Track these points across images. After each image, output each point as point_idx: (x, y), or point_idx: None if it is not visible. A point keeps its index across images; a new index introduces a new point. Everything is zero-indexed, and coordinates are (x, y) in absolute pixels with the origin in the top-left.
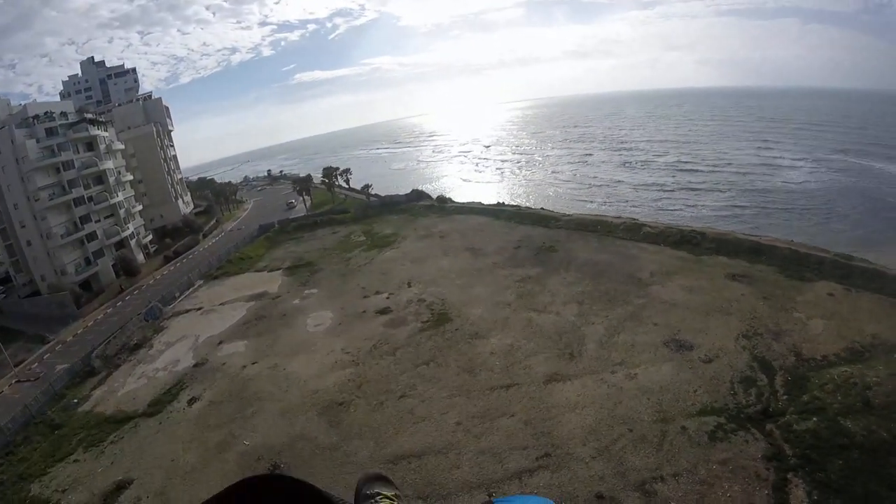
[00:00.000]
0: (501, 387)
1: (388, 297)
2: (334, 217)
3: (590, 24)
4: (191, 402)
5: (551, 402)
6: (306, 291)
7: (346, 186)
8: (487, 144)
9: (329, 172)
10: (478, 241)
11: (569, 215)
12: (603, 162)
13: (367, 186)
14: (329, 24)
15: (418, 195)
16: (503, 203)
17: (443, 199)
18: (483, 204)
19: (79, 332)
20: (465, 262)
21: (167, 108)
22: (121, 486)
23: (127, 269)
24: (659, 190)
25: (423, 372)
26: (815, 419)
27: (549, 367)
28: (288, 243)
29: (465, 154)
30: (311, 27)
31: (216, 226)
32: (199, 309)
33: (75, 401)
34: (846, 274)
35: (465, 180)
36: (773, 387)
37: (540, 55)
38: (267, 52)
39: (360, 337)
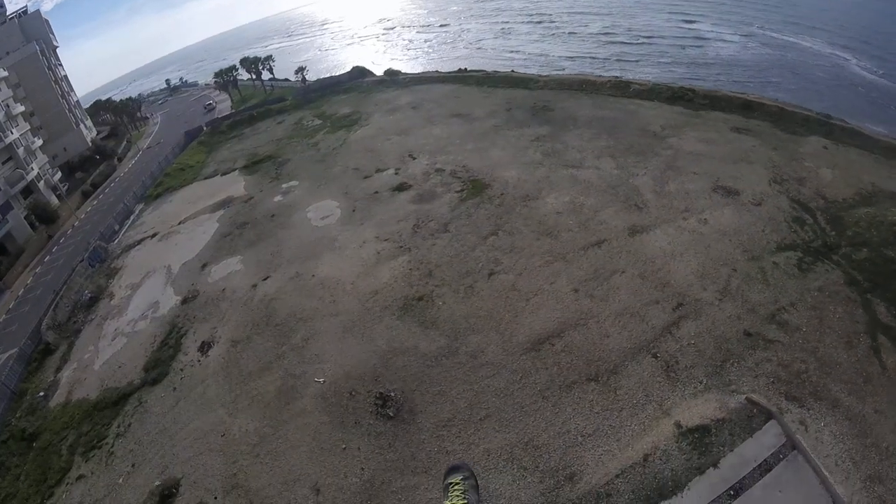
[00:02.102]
0: (591, 245)
1: (396, 173)
2: (272, 108)
3: None
4: (203, 348)
5: (648, 252)
6: (284, 185)
7: (272, 77)
8: (391, 26)
9: (252, 62)
10: (460, 107)
11: (546, 76)
12: (526, 33)
13: (301, 69)
14: None
15: (361, 72)
16: (465, 69)
17: (392, 73)
18: (441, 72)
19: (10, 306)
20: (460, 128)
21: (48, 22)
22: (167, 495)
23: (43, 217)
24: (592, 59)
25: (496, 243)
26: (865, 250)
27: (625, 220)
28: (229, 143)
29: (371, 37)
30: None
31: (129, 147)
32: (154, 235)
33: (41, 394)
34: (829, 131)
35: (376, 64)
36: (819, 225)
37: None
38: None
39: (390, 220)
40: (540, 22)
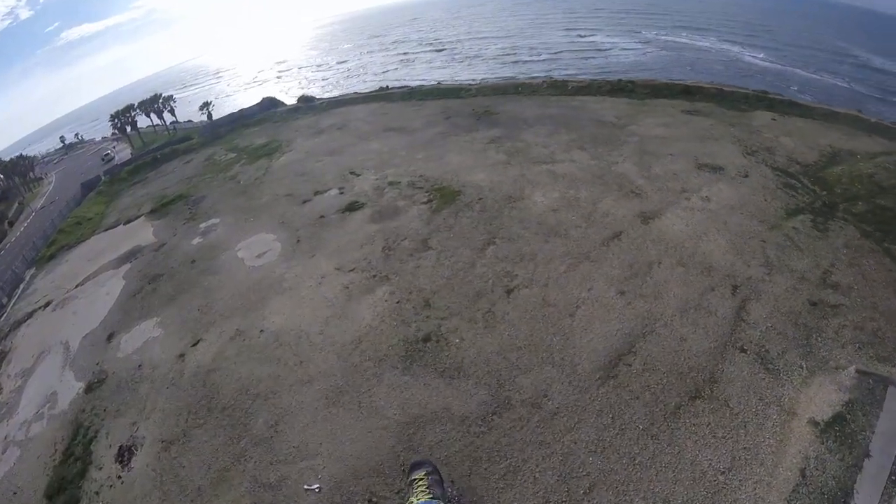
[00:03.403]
0: (609, 238)
1: (340, 193)
2: (177, 148)
3: None
4: (123, 457)
5: (672, 237)
6: (203, 224)
7: (175, 120)
8: (288, 68)
9: (151, 102)
10: (393, 122)
11: (478, 83)
12: (429, 61)
13: (206, 104)
14: None
15: (273, 102)
16: (386, 87)
17: (307, 98)
18: (360, 92)
19: None
20: (401, 140)
21: None
22: None
23: None
24: (501, 77)
25: (498, 253)
26: (860, 203)
27: (629, 208)
28: (131, 189)
29: (270, 80)
30: None
31: (21, 209)
32: (48, 304)
33: None
34: (769, 105)
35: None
36: (807, 187)
37: None
38: (25, 13)
39: (350, 245)
40: (441, 50)
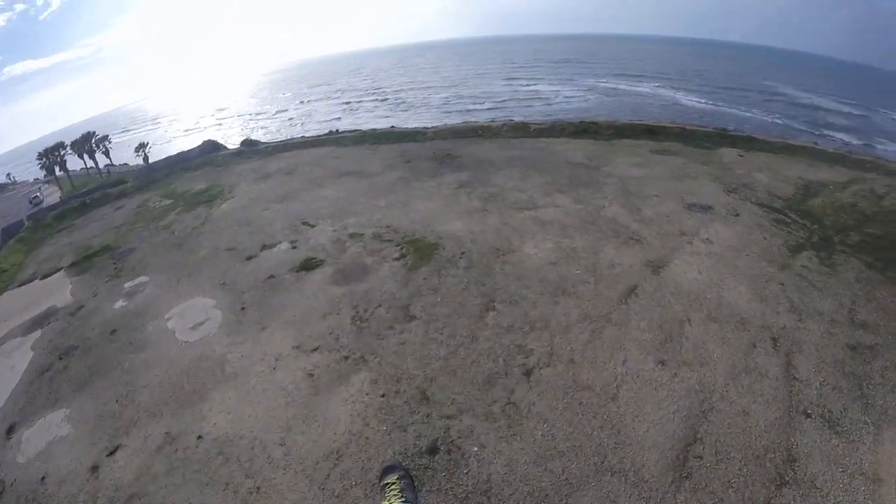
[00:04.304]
0: (625, 295)
1: (293, 247)
2: (109, 192)
3: None
4: None
5: (690, 288)
6: (129, 284)
7: (109, 163)
8: (228, 115)
9: (84, 142)
10: (347, 166)
11: (434, 127)
12: (373, 109)
13: (142, 146)
14: (40, 2)
15: (214, 146)
16: (337, 130)
17: (251, 142)
18: (308, 136)
19: None
20: (358, 186)
21: None
22: None
23: None
24: (456, 115)
25: (501, 321)
26: (852, 234)
27: (634, 257)
28: (55, 237)
29: (210, 127)
30: (20, 6)
31: None
32: None
33: None
34: (732, 141)
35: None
36: (797, 221)
37: (276, 19)
38: None
39: (310, 315)
40: (384, 99)
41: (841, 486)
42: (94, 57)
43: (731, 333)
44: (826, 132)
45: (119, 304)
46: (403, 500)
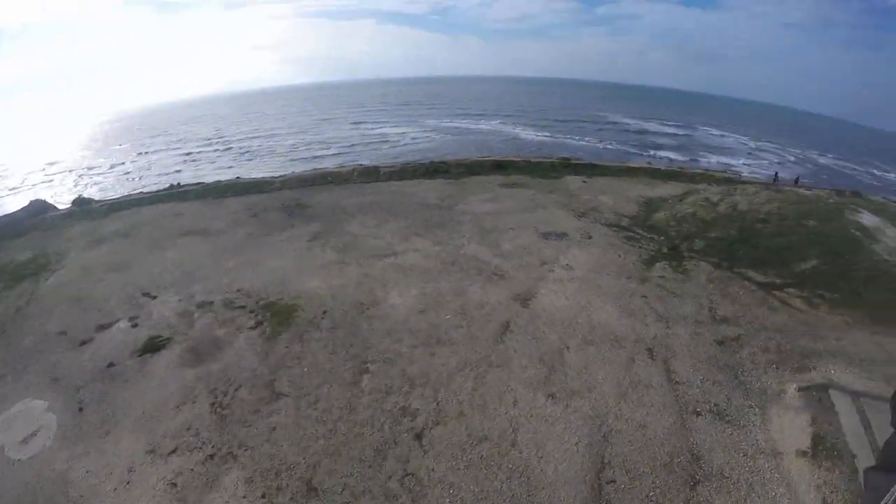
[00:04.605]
0: (500, 333)
1: (133, 325)
2: None
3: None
4: None
5: (561, 316)
6: None
7: None
8: (61, 170)
9: None
10: (191, 224)
11: (282, 176)
12: (216, 159)
13: None
14: None
15: (43, 206)
16: (178, 184)
17: (84, 201)
18: (147, 192)
19: None
20: (205, 246)
21: None
22: None
23: None
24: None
25: (377, 383)
26: (697, 240)
27: (501, 293)
28: None
29: (40, 184)
30: None
31: None
32: None
33: None
34: (574, 169)
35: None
36: (646, 235)
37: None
38: None
39: (160, 408)
40: (228, 147)
41: (747, 469)
42: None
43: (609, 353)
44: (656, 152)
45: None
46: None
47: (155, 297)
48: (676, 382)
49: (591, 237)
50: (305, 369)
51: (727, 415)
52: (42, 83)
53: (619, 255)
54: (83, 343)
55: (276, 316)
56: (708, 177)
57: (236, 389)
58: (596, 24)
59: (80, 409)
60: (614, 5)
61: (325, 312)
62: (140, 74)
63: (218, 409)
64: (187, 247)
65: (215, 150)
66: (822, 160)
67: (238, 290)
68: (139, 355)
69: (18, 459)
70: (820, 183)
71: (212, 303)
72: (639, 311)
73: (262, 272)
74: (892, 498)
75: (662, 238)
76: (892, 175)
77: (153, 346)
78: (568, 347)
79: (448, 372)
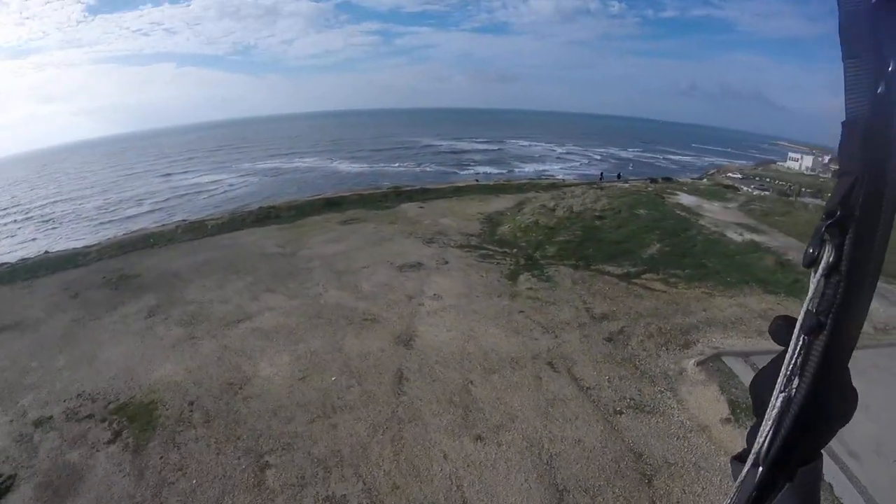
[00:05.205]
0: (394, 384)
1: None
2: None
3: None
4: None
5: (451, 351)
6: None
7: None
8: None
9: None
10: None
11: (98, 244)
12: (18, 230)
13: None
14: None
15: None
16: None
17: None
18: None
19: None
20: (22, 344)
21: None
22: None
23: None
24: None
25: (284, 477)
26: (547, 246)
27: (381, 339)
28: None
29: None
30: None
31: None
32: None
33: None
34: (408, 196)
35: None
36: (498, 251)
37: None
38: None
39: None
40: (28, 217)
41: (686, 450)
42: None
43: (514, 376)
44: (474, 168)
45: None
46: None
47: None
48: (588, 388)
49: (447, 262)
50: (194, 481)
51: (645, 406)
52: None
53: (482, 275)
54: None
55: (135, 420)
56: (534, 185)
57: None
58: (396, 55)
59: None
60: (412, 37)
61: (191, 403)
62: None
63: None
64: (3, 347)
65: (14, 221)
66: (624, 154)
67: (78, 396)
68: None
69: None
70: (629, 175)
71: (51, 417)
72: (523, 327)
73: (100, 367)
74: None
75: (515, 250)
76: (684, 157)
77: None
78: (472, 382)
79: (360, 442)
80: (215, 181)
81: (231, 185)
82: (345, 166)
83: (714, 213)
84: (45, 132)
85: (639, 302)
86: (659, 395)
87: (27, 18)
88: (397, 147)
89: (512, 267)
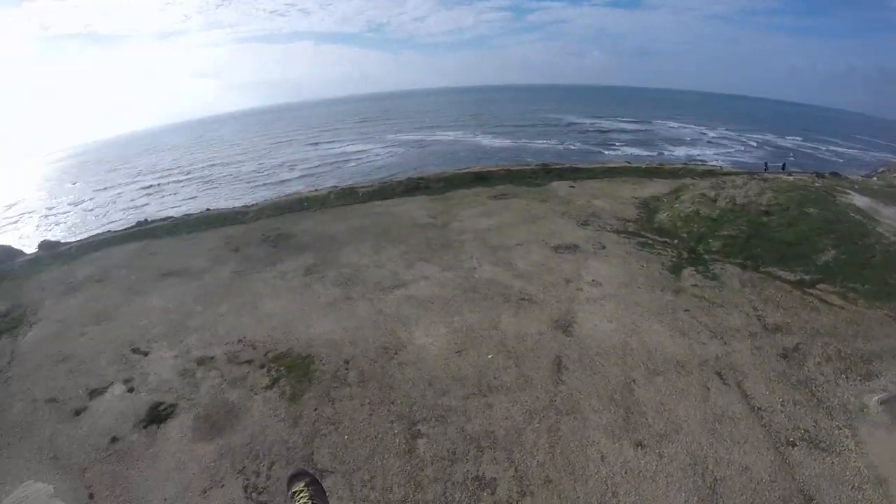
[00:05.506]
0: (553, 372)
1: (129, 389)
2: None
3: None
4: None
5: (612, 343)
6: None
7: None
8: (33, 209)
9: None
10: (168, 263)
11: (255, 204)
12: (180, 190)
13: None
14: None
15: (7, 253)
16: (146, 220)
17: (51, 244)
18: (115, 231)
19: None
20: (190, 288)
21: None
22: None
23: None
24: (268, 192)
25: (435, 449)
26: (710, 240)
27: (538, 321)
28: None
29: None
30: None
31: None
32: None
33: None
34: (558, 174)
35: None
36: (658, 240)
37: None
38: None
39: (184, 496)
40: (189, 176)
41: (860, 502)
42: None
43: (680, 381)
44: (621, 148)
45: None
46: None
47: (147, 354)
48: (758, 409)
49: (604, 247)
50: (346, 437)
51: (820, 441)
52: None
53: (642, 265)
54: (77, 413)
55: (293, 371)
56: (689, 171)
57: (269, 467)
58: (528, 32)
59: (91, 496)
60: (544, 12)
61: (347, 362)
62: (79, 110)
63: (254, 494)
64: (170, 291)
65: (176, 181)
66: (782, 142)
67: (240, 341)
68: (144, 426)
69: None
70: (792, 167)
71: (213, 358)
72: (689, 328)
73: (261, 317)
74: None
75: (676, 241)
76: (848, 149)
77: (158, 416)
78: (634, 381)
79: (515, 426)
80: (362, 150)
81: (377, 154)
82: (487, 141)
83: (892, 219)
84: (196, 105)
85: (815, 316)
86: (836, 432)
87: (168, 4)
88: (540, 124)
89: (674, 259)
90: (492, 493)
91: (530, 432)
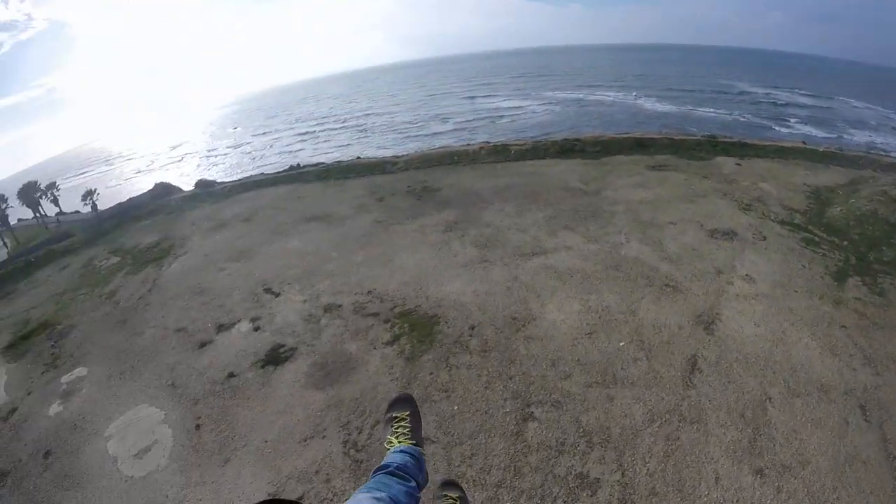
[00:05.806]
0: (685, 372)
1: (255, 328)
2: (54, 248)
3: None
4: None
5: (754, 350)
6: (66, 379)
7: (60, 211)
8: (186, 152)
9: (28, 191)
10: (314, 208)
11: (404, 155)
12: (334, 137)
13: (89, 193)
14: None
15: (166, 189)
16: (298, 165)
17: (206, 183)
18: (267, 174)
19: None
20: (329, 234)
21: None
22: None
23: None
24: (422, 143)
25: (544, 436)
26: (884, 248)
27: (678, 312)
28: None
29: (169, 164)
30: None
31: None
32: None
33: None
34: (725, 149)
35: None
36: (825, 239)
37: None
38: None
39: (284, 439)
40: (344, 125)
41: None
42: (48, 98)
43: (818, 409)
44: (794, 127)
45: (54, 408)
46: (413, 442)
47: (278, 295)
48: (894, 458)
49: (765, 238)
50: (456, 407)
51: None
52: (150, 73)
53: (803, 266)
54: (202, 345)
55: (416, 329)
56: (872, 160)
57: (373, 427)
58: None
59: (198, 427)
60: None
61: (472, 328)
62: (250, 60)
63: (352, 451)
64: (311, 235)
65: (332, 129)
66: None
67: (369, 293)
68: (261, 366)
69: (131, 476)
70: None
71: (340, 306)
72: (842, 347)
73: (395, 270)
74: None
75: (846, 243)
76: None
77: (276, 358)
78: (770, 399)
79: (632, 426)
80: (518, 107)
81: (534, 112)
82: (650, 104)
83: None
84: (358, 56)
85: None
86: None
87: None
88: (708, 89)
89: (840, 264)
90: (592, 495)
91: (647, 436)
